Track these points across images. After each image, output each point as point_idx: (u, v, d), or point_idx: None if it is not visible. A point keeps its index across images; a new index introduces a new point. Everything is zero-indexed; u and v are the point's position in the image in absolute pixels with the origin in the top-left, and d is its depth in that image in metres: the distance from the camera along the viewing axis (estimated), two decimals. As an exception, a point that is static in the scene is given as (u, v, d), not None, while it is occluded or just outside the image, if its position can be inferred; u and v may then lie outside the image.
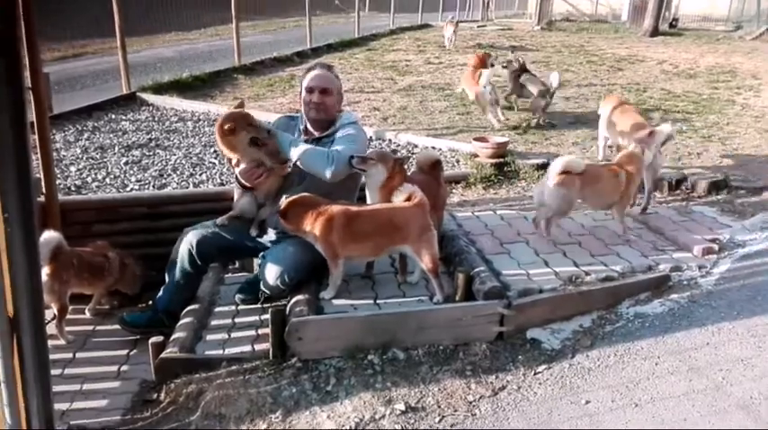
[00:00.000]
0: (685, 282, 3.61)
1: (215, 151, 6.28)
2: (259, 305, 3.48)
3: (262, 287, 3.39)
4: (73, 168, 5.68)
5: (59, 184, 4.86)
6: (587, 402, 2.68)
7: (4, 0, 1.66)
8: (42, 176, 3.89)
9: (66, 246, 3.57)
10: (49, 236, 3.45)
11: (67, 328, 3.57)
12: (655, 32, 18.46)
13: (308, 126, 3.59)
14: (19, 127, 1.77)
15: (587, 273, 3.52)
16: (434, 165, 3.77)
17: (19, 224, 1.81)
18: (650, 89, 9.74)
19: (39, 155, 3.81)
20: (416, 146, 6.69)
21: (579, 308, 3.32)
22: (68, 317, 3.60)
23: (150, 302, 3.79)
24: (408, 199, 3.19)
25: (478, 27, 20.18)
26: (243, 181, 3.31)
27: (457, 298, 3.24)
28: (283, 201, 3.27)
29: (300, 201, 3.22)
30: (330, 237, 3.15)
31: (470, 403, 2.71)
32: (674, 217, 4.53)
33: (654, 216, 4.53)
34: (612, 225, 4.25)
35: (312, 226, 3.16)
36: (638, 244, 3.99)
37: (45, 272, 3.34)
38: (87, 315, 3.85)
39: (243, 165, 3.24)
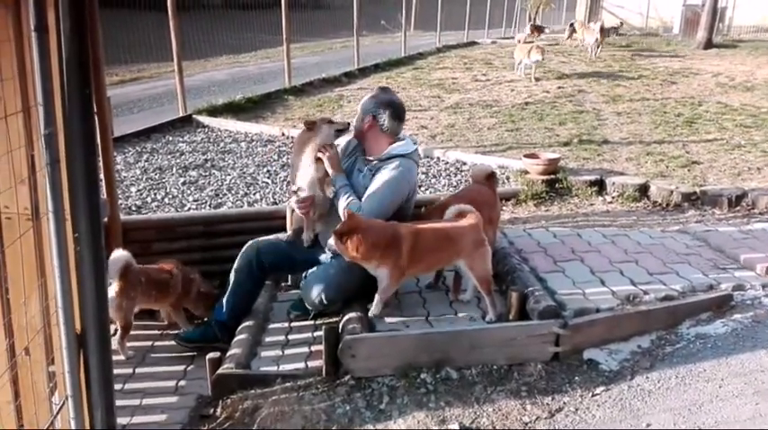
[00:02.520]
0: (748, 302, 3.48)
1: (268, 171, 6.42)
2: (311, 322, 3.52)
3: (306, 304, 3.48)
4: (133, 189, 5.88)
5: (121, 204, 5.03)
6: (648, 425, 2.60)
7: (77, 29, 1.75)
8: (106, 197, 4.05)
9: (134, 263, 3.66)
10: (118, 254, 3.54)
11: (127, 344, 3.67)
12: (708, 45, 17.96)
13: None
14: (88, 151, 1.85)
15: (645, 292, 3.43)
16: (489, 178, 3.79)
17: (88, 244, 1.88)
18: (706, 103, 9.48)
19: (103, 176, 3.97)
20: (465, 163, 6.68)
21: (637, 328, 3.23)
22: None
23: (205, 319, 3.88)
24: (461, 216, 3.19)
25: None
26: (296, 208, 3.58)
27: (511, 317, 3.20)
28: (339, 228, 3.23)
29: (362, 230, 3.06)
30: (400, 261, 3.09)
31: (526, 424, 2.66)
32: (734, 234, 4.37)
33: (714, 233, 4.39)
34: (670, 243, 4.14)
35: (382, 253, 3.08)
36: (698, 262, 3.87)
37: (114, 289, 3.44)
38: (164, 322, 4.01)
39: (299, 196, 3.51)
